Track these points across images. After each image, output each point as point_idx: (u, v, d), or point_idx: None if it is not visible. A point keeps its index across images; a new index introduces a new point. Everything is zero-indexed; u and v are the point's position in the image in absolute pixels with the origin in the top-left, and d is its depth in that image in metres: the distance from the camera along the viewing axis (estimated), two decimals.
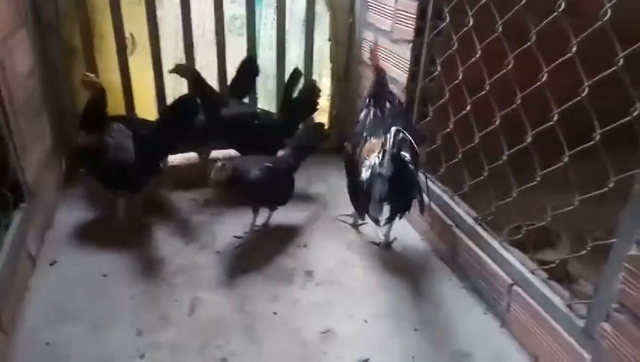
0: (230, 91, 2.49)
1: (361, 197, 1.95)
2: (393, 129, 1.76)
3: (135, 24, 2.52)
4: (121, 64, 2.52)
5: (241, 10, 2.62)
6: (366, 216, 1.96)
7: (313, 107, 2.48)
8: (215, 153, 2.61)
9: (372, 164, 1.88)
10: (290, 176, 2.23)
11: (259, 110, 2.51)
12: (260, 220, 2.21)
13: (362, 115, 2.19)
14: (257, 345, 1.63)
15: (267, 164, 2.06)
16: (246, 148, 2.35)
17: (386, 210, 1.87)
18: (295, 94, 2.44)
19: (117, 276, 1.90)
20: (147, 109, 2.65)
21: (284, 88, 2.48)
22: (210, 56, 2.73)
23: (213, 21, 2.58)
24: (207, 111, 2.27)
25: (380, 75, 2.21)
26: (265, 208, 2.19)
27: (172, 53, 2.62)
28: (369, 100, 2.18)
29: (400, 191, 1.82)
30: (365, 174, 1.91)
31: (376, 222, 1.91)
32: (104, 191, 2.18)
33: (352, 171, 2.06)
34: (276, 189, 2.15)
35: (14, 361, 1.51)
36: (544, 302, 1.53)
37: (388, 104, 2.14)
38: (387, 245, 2.19)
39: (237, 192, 2.05)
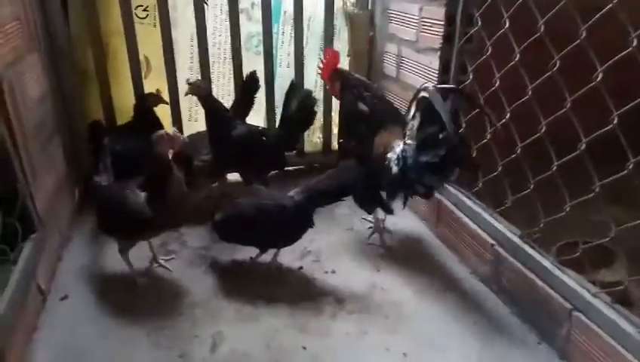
0: (233, 111, 2.36)
1: (382, 190, 1.96)
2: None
3: (149, 46, 2.46)
4: (136, 87, 2.45)
5: (258, 28, 2.54)
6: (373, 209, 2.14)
7: (311, 118, 2.38)
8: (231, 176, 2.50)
9: (403, 153, 1.81)
10: (287, 219, 1.89)
11: (261, 128, 2.43)
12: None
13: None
14: None
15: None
16: (253, 166, 2.27)
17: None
18: (293, 107, 2.32)
19: (132, 310, 1.76)
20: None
21: (283, 102, 2.37)
22: (227, 74, 2.65)
23: (229, 40, 2.51)
24: (216, 132, 2.17)
25: (343, 77, 2.13)
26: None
27: (187, 74, 2.53)
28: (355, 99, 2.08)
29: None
30: (397, 164, 1.83)
31: (391, 212, 2.03)
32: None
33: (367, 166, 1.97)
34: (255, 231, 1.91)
35: None
36: (614, 330, 1.34)
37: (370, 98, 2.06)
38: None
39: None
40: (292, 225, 1.92)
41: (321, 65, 2.20)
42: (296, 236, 1.95)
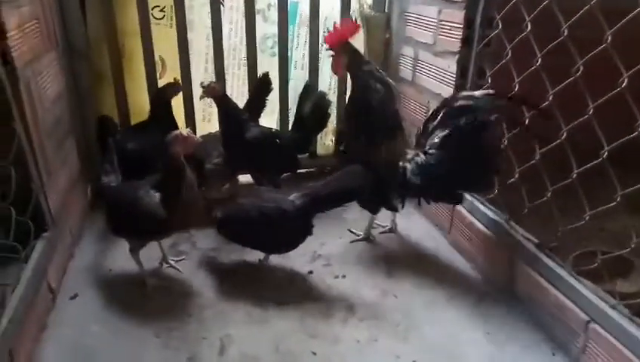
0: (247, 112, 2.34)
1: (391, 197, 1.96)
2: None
3: (165, 47, 2.46)
4: (151, 88, 2.45)
5: (274, 30, 2.53)
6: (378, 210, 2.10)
7: (325, 120, 2.34)
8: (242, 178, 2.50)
9: (424, 162, 1.83)
10: (284, 223, 1.81)
11: (274, 130, 2.41)
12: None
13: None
14: None
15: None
16: (265, 168, 2.26)
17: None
18: (307, 109, 2.30)
19: (141, 311, 1.75)
20: None
21: (297, 104, 2.35)
22: (241, 76, 2.64)
23: (244, 41, 2.50)
24: (230, 133, 2.16)
25: (355, 54, 1.94)
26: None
27: (202, 75, 2.53)
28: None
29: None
30: (416, 174, 1.84)
31: (396, 210, 2.02)
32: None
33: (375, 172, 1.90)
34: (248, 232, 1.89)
35: None
36: (633, 343, 1.29)
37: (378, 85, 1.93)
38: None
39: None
40: (289, 230, 1.84)
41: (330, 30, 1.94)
42: (294, 242, 1.88)
